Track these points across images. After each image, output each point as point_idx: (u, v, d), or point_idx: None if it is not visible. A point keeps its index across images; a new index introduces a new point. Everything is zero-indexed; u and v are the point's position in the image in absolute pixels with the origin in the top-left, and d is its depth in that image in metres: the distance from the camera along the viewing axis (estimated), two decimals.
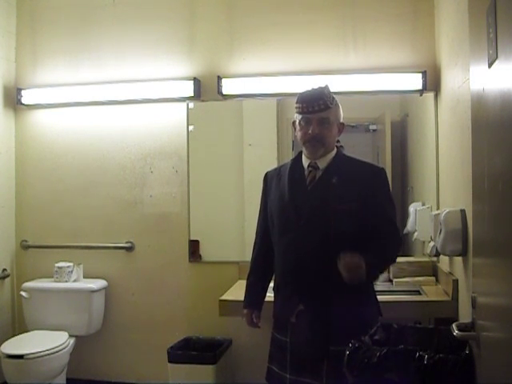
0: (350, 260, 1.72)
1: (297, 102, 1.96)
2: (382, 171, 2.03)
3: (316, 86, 1.96)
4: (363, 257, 1.75)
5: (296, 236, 1.93)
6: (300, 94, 1.97)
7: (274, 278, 2.11)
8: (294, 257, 1.94)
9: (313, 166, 1.98)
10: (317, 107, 1.90)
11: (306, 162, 2.01)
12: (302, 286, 1.93)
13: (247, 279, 2.19)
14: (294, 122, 2.02)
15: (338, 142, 2.05)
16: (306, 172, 2.00)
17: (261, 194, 2.17)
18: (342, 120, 2.02)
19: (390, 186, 2.06)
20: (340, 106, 2.02)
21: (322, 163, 1.98)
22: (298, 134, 1.99)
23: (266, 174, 2.17)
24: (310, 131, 1.93)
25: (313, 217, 1.92)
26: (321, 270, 1.89)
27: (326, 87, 1.97)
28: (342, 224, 1.88)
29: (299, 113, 1.96)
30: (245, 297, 2.16)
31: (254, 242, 2.19)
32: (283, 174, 2.05)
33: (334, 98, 1.96)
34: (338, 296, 1.79)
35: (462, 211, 2.15)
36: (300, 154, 2.06)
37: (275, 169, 2.18)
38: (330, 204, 1.91)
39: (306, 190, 1.97)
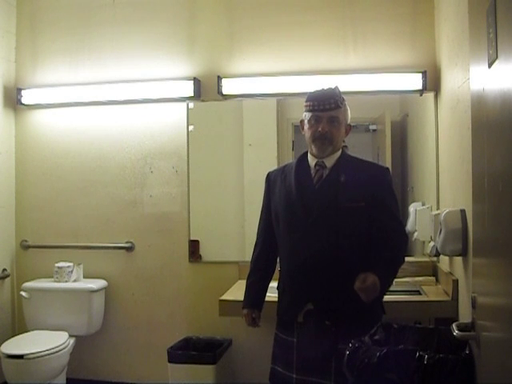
0: (365, 284, 1.76)
1: (307, 101, 1.98)
2: (387, 171, 2.05)
3: (326, 87, 1.99)
4: (376, 273, 1.78)
5: (304, 235, 1.94)
6: (310, 92, 2.00)
7: (279, 277, 2.11)
8: (303, 255, 1.93)
9: (320, 165, 2.00)
10: (328, 105, 1.93)
11: (312, 160, 2.02)
12: (310, 285, 1.93)
13: (247, 279, 2.18)
14: (301, 121, 2.04)
15: (343, 141, 2.07)
16: (313, 171, 2.00)
17: (262, 195, 2.17)
18: (349, 121, 2.04)
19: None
20: (348, 108, 2.04)
21: (329, 162, 1.99)
22: (307, 132, 2.00)
23: (269, 175, 2.17)
24: (320, 129, 1.94)
25: (321, 215, 1.92)
26: (330, 269, 1.89)
27: (337, 88, 1.99)
28: (350, 222, 1.90)
29: (309, 111, 1.97)
30: (244, 297, 2.16)
31: (255, 243, 2.19)
32: (288, 174, 2.05)
33: (343, 98, 1.99)
34: (347, 294, 1.79)
35: (462, 211, 2.15)
36: (305, 153, 2.07)
37: (278, 169, 2.19)
38: (339, 202, 1.92)
39: (314, 188, 1.98)
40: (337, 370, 1.85)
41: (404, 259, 2.02)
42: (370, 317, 1.90)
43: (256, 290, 2.15)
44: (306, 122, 2.00)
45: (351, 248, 1.90)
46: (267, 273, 2.14)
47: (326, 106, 1.93)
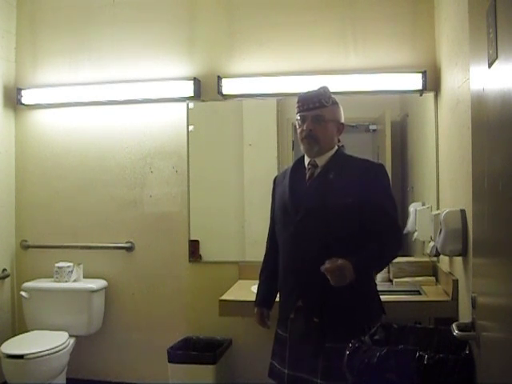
0: (330, 265, 1.76)
1: (296, 103, 2.03)
2: (381, 167, 2.05)
3: (316, 88, 2.03)
4: (350, 257, 1.78)
5: (294, 232, 1.96)
6: (300, 94, 2.05)
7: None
8: (293, 253, 1.97)
9: (312, 164, 2.02)
10: (311, 105, 1.98)
11: (307, 160, 2.05)
12: (300, 282, 1.95)
13: (259, 278, 2.22)
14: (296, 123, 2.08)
15: (339, 141, 2.07)
16: (307, 170, 2.03)
17: (266, 194, 2.22)
18: (342, 120, 2.05)
19: (391, 184, 2.07)
20: (340, 107, 2.05)
21: (321, 161, 2.01)
22: (298, 132, 2.05)
23: (275, 178, 2.22)
24: (304, 127, 1.99)
25: (310, 212, 1.94)
26: (318, 267, 1.89)
27: (324, 87, 2.03)
28: (339, 220, 1.90)
29: (297, 112, 2.03)
30: (256, 295, 2.20)
31: (266, 242, 2.24)
32: (286, 175, 2.10)
33: (331, 97, 2.01)
34: (336, 293, 1.80)
35: (462, 211, 2.15)
36: (304, 154, 2.09)
37: (282, 171, 2.23)
38: (327, 200, 1.93)
39: (305, 186, 2.00)
40: (324, 368, 1.86)
41: (395, 253, 2.01)
42: (360, 317, 1.89)
43: (265, 288, 2.18)
44: (296, 123, 2.05)
45: (339, 245, 1.89)
46: (276, 272, 2.15)
47: (309, 105, 1.98)
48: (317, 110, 1.97)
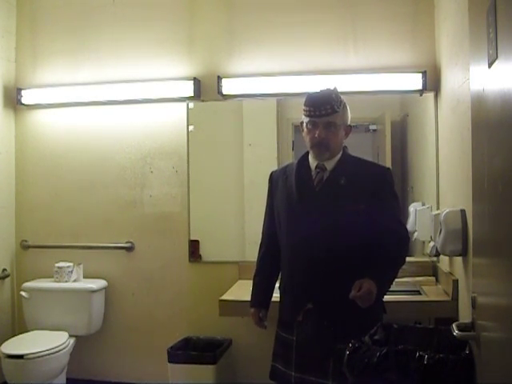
0: (360, 293, 1.76)
1: (304, 105, 1.95)
2: (389, 171, 2.05)
3: (324, 88, 1.96)
4: (373, 278, 1.79)
5: (305, 237, 1.94)
6: (308, 95, 1.96)
7: (280, 277, 2.12)
8: (304, 257, 1.95)
9: (320, 168, 2.00)
10: (324, 111, 1.90)
11: (313, 162, 2.02)
12: (311, 286, 1.94)
13: (253, 279, 2.20)
14: (301, 123, 2.01)
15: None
16: (314, 173, 2.00)
17: (266, 194, 2.17)
18: (349, 122, 2.02)
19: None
20: (348, 109, 2.01)
21: (330, 165, 1.99)
22: (306, 137, 2.00)
23: (271, 174, 2.17)
24: (316, 135, 1.93)
25: (322, 217, 1.92)
26: (330, 270, 1.91)
27: (335, 90, 1.96)
28: (350, 224, 1.90)
29: (306, 116, 1.95)
30: (252, 296, 2.17)
31: (261, 242, 2.20)
32: (289, 175, 2.05)
33: (341, 101, 1.96)
34: (346, 295, 1.79)
35: (462, 211, 2.15)
36: (306, 154, 2.06)
37: (280, 169, 2.18)
38: (339, 205, 1.92)
39: (314, 191, 1.98)
40: (335, 370, 1.85)
41: (405, 260, 2.02)
42: (369, 317, 1.89)
43: (262, 288, 2.16)
44: (304, 126, 2.00)
45: (352, 249, 1.90)
46: (273, 272, 2.15)
47: (322, 111, 1.90)
48: (329, 116, 1.90)
